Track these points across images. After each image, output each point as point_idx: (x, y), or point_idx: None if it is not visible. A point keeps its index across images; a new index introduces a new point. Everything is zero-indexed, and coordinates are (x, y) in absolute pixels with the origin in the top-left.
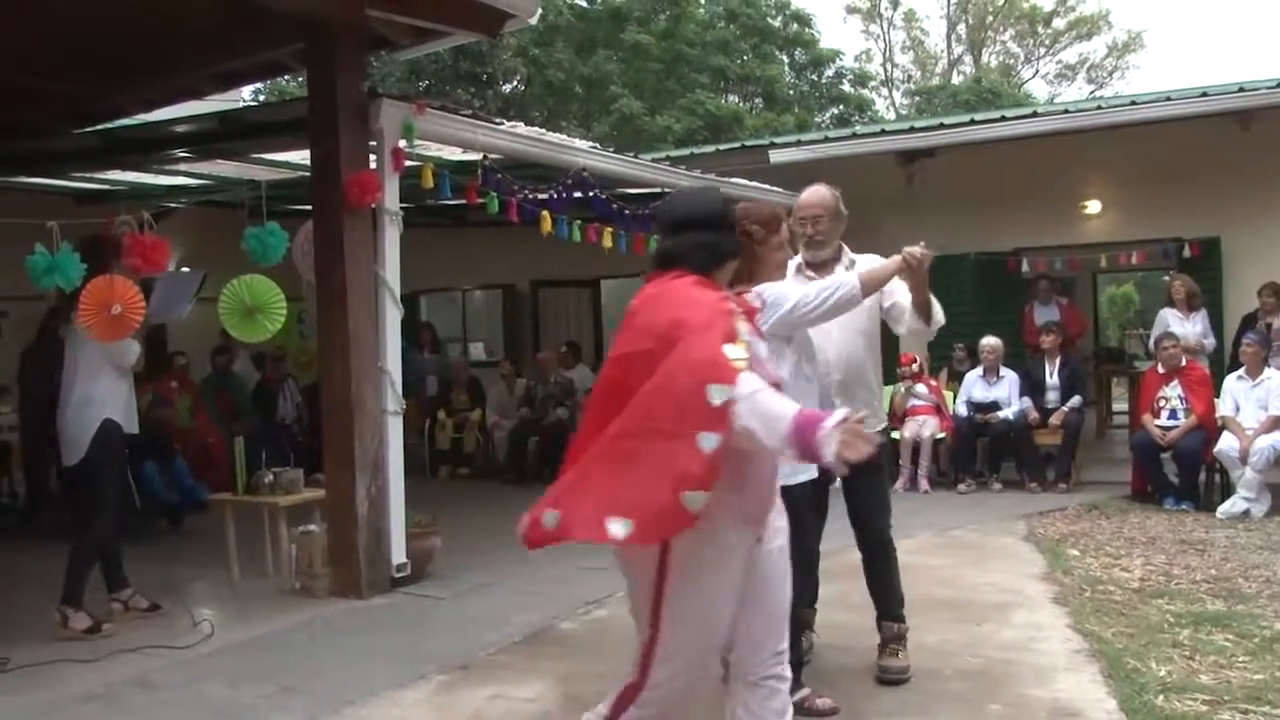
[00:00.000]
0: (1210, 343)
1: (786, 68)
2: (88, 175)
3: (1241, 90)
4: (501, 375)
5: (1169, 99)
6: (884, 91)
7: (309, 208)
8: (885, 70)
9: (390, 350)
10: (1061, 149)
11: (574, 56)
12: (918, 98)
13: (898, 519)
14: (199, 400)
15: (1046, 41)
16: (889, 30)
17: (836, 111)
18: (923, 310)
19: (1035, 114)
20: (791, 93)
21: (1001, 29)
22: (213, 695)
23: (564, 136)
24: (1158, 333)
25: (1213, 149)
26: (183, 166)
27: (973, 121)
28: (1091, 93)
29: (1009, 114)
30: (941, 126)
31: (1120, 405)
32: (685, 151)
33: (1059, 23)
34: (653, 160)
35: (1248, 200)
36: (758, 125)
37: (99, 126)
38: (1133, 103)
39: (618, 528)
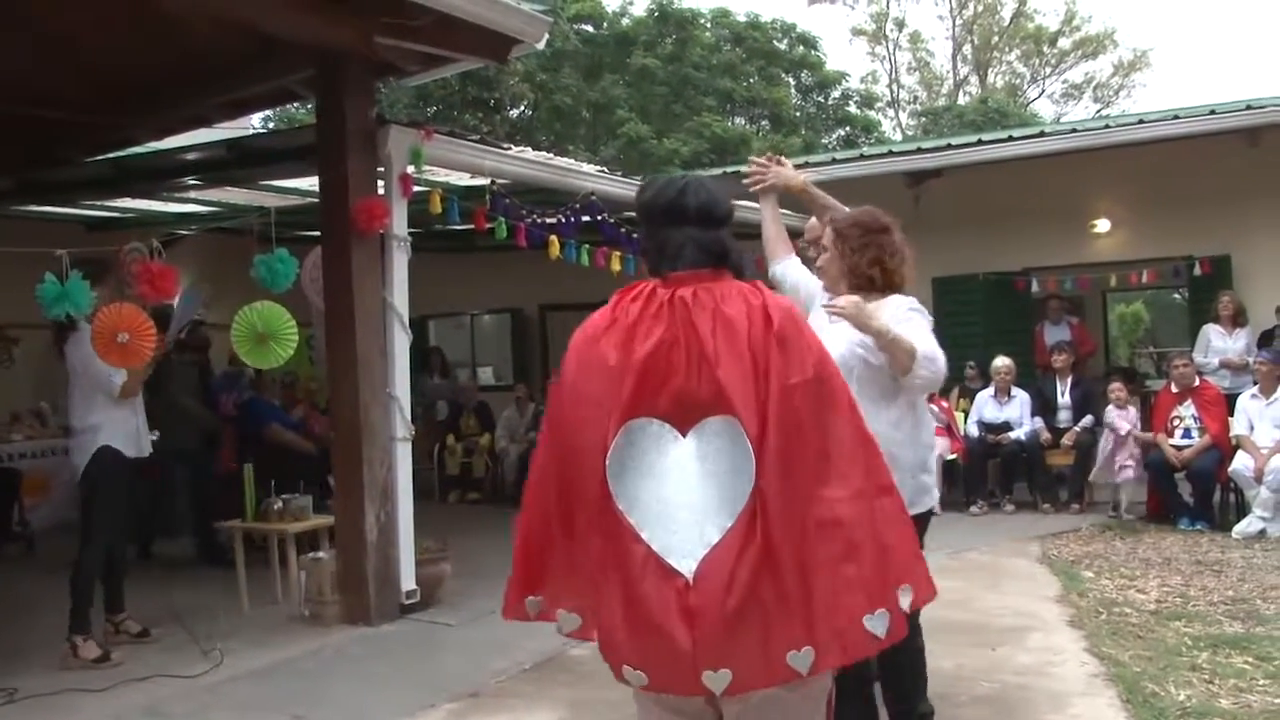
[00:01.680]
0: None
1: (793, 90)
2: (98, 203)
3: (1249, 107)
4: (516, 398)
5: (1176, 117)
6: (890, 112)
7: (318, 234)
8: (891, 91)
9: (399, 376)
10: (1070, 168)
11: (581, 81)
12: (924, 118)
13: None
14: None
15: (1052, 61)
16: (894, 52)
17: (843, 133)
18: (890, 358)
19: (1043, 134)
20: (798, 115)
21: (1007, 49)
22: None
23: (571, 161)
24: (1202, 349)
25: (1222, 166)
26: (193, 194)
27: (980, 142)
28: (1098, 111)
29: (1016, 134)
30: (949, 147)
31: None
32: (713, 164)
33: (1064, 42)
34: None
35: (1258, 217)
36: (764, 147)
37: (110, 155)
38: (1140, 121)
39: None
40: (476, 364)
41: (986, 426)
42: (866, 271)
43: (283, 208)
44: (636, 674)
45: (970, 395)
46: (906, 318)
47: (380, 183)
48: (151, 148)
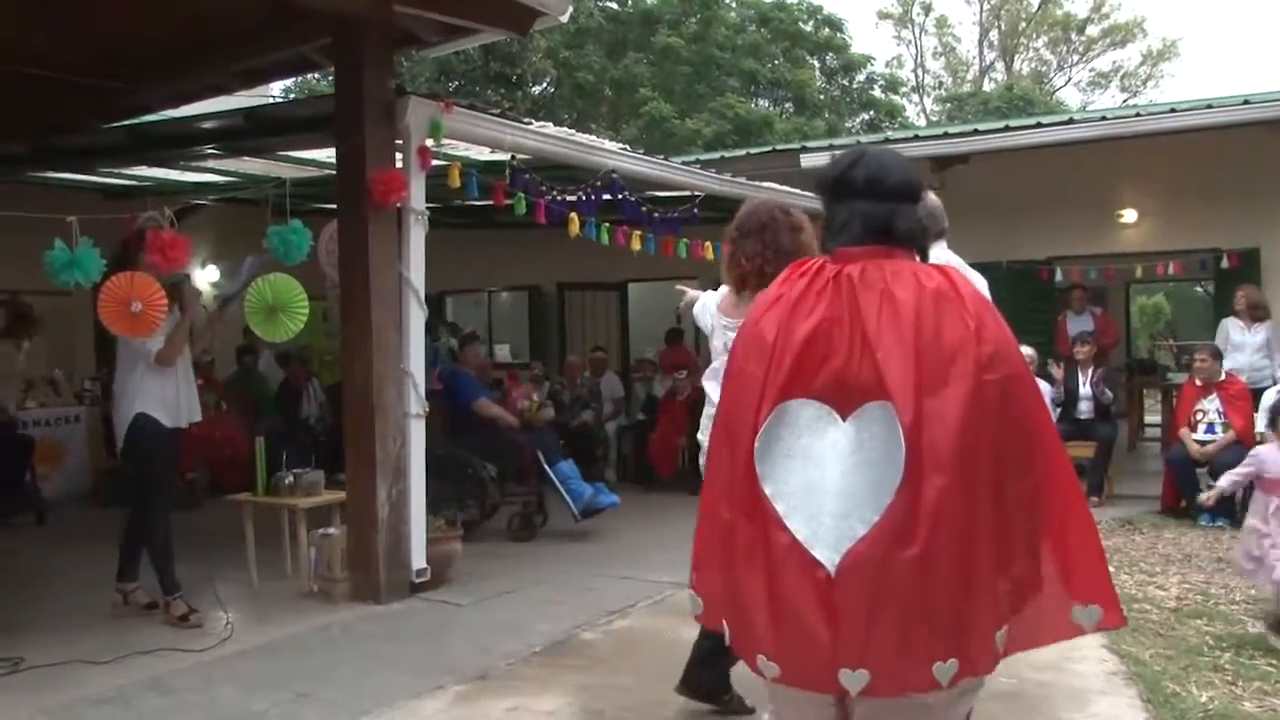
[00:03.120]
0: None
1: (817, 72)
2: (115, 171)
3: None
4: (532, 376)
5: (1210, 106)
6: (915, 98)
7: (334, 206)
8: (916, 76)
9: (414, 352)
10: (1097, 157)
11: (604, 59)
12: (949, 104)
13: None
14: (222, 399)
15: (1080, 49)
16: (920, 36)
17: (867, 117)
18: None
19: (1071, 121)
20: (822, 98)
21: (1034, 35)
22: (227, 701)
23: (593, 137)
24: (1221, 342)
25: (1253, 158)
26: (209, 163)
27: (1008, 128)
28: (1125, 101)
29: (1045, 120)
30: (976, 132)
31: (1152, 417)
32: (715, 155)
33: (1093, 30)
34: (683, 163)
35: None
36: (787, 130)
37: (127, 122)
38: (1172, 110)
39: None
40: (494, 341)
41: None
42: (745, 268)
43: (299, 179)
44: (771, 665)
45: None
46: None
47: (398, 155)
48: (169, 115)
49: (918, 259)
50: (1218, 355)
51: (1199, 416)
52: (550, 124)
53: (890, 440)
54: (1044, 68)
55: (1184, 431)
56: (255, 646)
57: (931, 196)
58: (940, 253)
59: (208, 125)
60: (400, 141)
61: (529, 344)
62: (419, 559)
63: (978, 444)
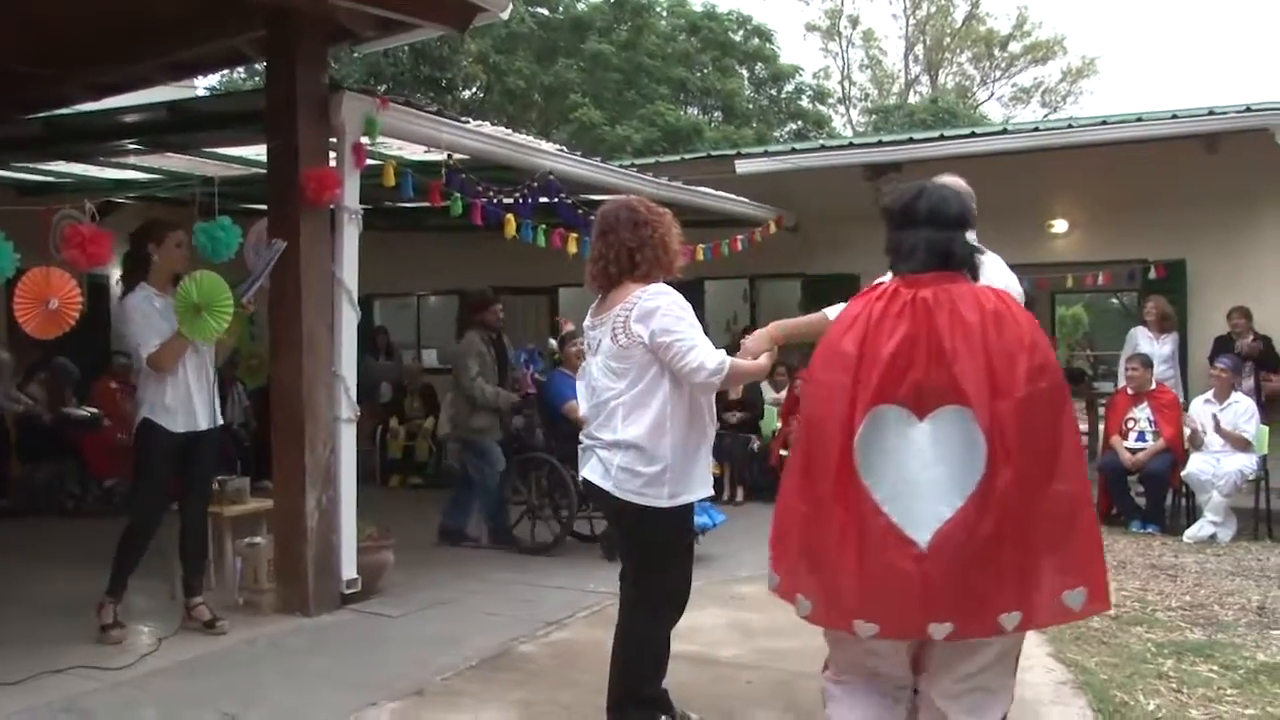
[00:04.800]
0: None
1: (746, 82)
2: (31, 166)
3: (1211, 113)
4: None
5: (1140, 120)
6: (841, 109)
7: (263, 207)
8: (843, 88)
9: (345, 355)
10: (1029, 167)
11: (535, 64)
12: (874, 116)
13: None
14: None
15: (1002, 65)
16: (847, 49)
17: (795, 127)
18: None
19: (1005, 131)
20: (751, 107)
21: (958, 51)
22: None
23: (530, 138)
24: (1128, 352)
25: (1180, 171)
26: (131, 159)
27: (942, 137)
28: (1045, 116)
29: (979, 130)
30: (910, 141)
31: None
32: (650, 160)
33: (1015, 46)
34: (619, 166)
35: (1213, 223)
36: (716, 138)
37: (42, 115)
38: (1103, 122)
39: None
40: (421, 346)
41: None
42: (591, 270)
43: (226, 177)
44: (869, 626)
45: None
46: None
47: (332, 155)
48: (89, 108)
49: (969, 278)
50: (1148, 364)
51: (1130, 425)
52: (487, 124)
53: (968, 439)
54: (968, 82)
55: (1115, 439)
56: (178, 663)
57: (959, 182)
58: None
59: (130, 119)
60: (334, 141)
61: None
62: (349, 569)
63: (1032, 441)
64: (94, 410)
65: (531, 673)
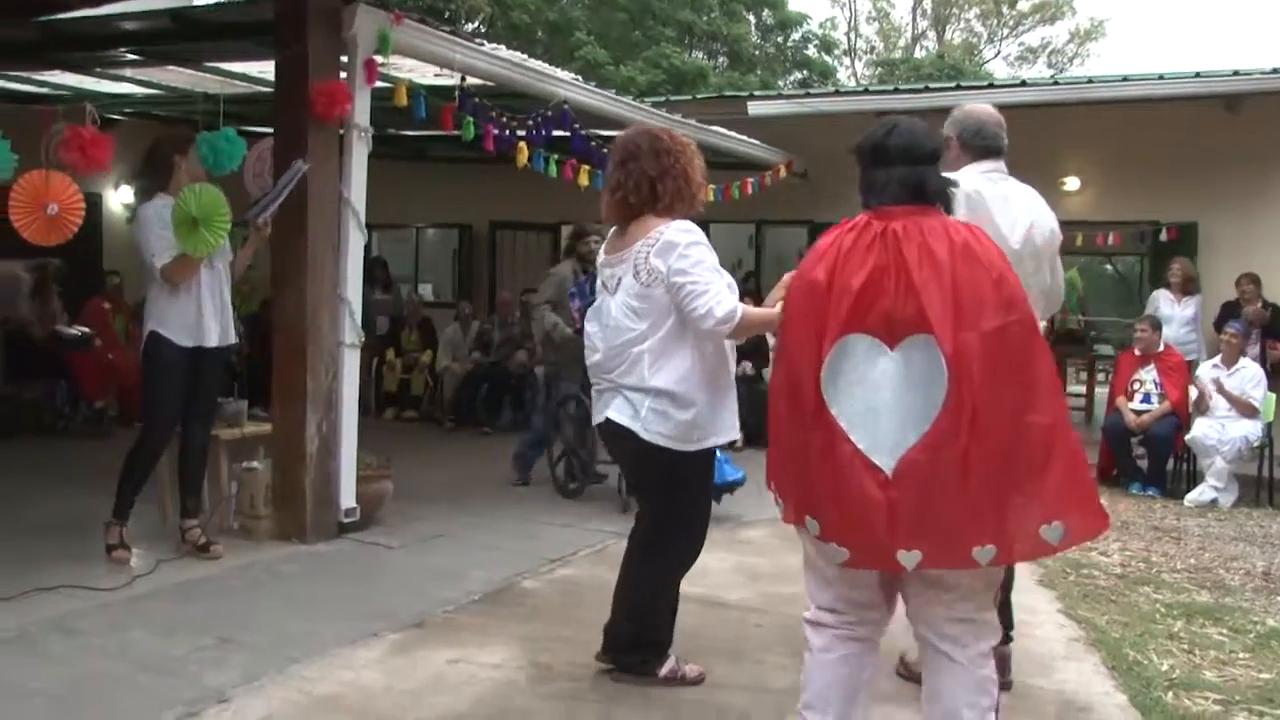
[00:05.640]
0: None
1: (753, 28)
2: (24, 76)
3: (1236, 74)
4: (457, 317)
5: (1162, 78)
6: (846, 61)
7: (265, 130)
8: (849, 40)
9: (351, 278)
10: (1045, 123)
11: (540, 0)
12: (880, 69)
13: None
14: (132, 324)
15: (1010, 23)
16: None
17: (800, 76)
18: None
19: (1024, 84)
20: (757, 53)
21: (967, 7)
22: (140, 646)
23: (545, 65)
24: (1150, 312)
25: (1197, 133)
26: (129, 72)
27: (959, 87)
28: (1051, 77)
29: (996, 82)
30: (927, 89)
31: (1075, 387)
32: (661, 98)
33: (1024, 5)
34: (634, 101)
35: (1229, 186)
36: (721, 84)
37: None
38: (1125, 79)
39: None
40: (419, 280)
41: None
42: (608, 200)
43: (230, 95)
44: (840, 551)
45: None
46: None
47: (342, 73)
48: (89, 13)
49: (942, 211)
50: (1158, 326)
51: (1136, 386)
52: (503, 47)
53: (934, 367)
54: (975, 39)
55: (1121, 401)
56: (172, 585)
57: (984, 108)
58: (992, 175)
59: (130, 26)
60: (345, 59)
61: (457, 283)
62: (348, 498)
63: (1000, 373)
64: (85, 329)
65: (534, 608)
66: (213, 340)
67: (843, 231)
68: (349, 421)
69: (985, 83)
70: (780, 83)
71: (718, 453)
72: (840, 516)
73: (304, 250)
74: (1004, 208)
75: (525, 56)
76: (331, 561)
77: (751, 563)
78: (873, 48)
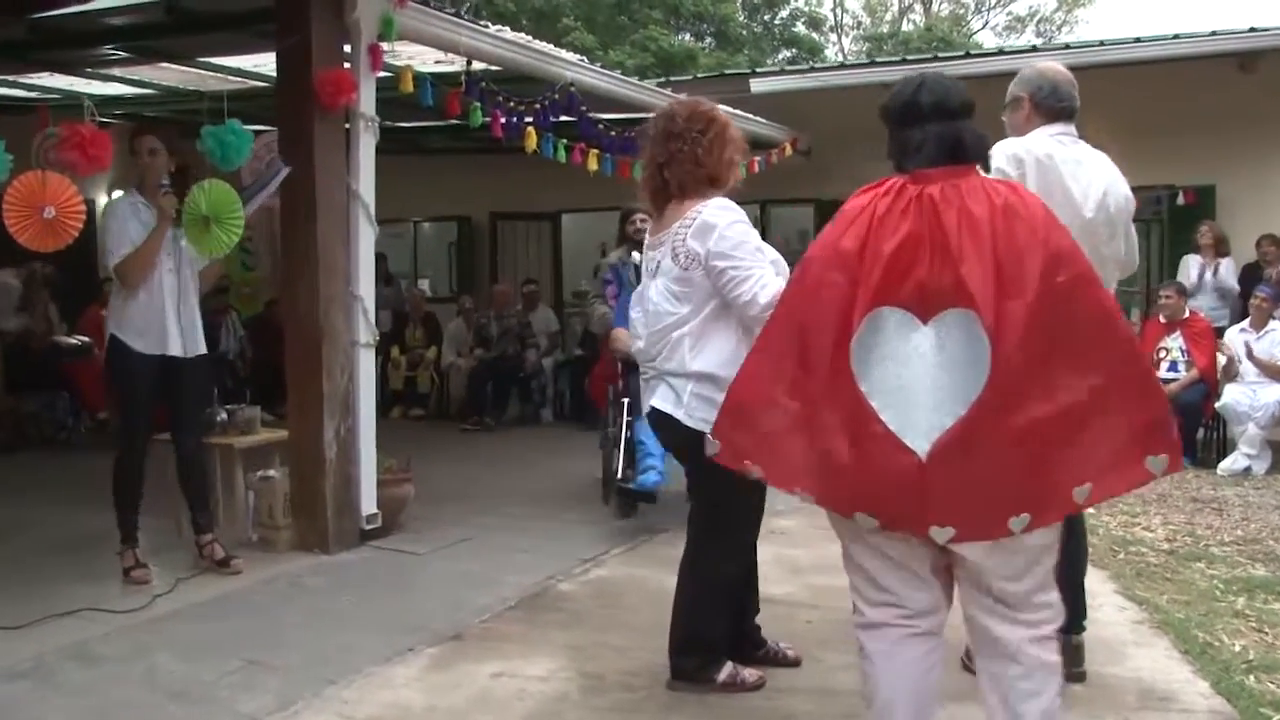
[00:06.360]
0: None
1: (740, 6)
2: (11, 80)
3: (1253, 30)
4: (459, 312)
5: (1176, 37)
6: (833, 37)
7: (264, 128)
8: (835, 15)
9: (364, 274)
10: None
11: None
12: (868, 44)
13: None
14: None
15: None
16: None
17: (789, 55)
18: None
19: (1035, 49)
20: (745, 33)
21: None
22: (167, 672)
23: (551, 46)
24: (1181, 278)
25: (1212, 93)
26: (119, 71)
27: (968, 54)
28: (1064, 42)
29: (1007, 48)
30: (936, 59)
31: None
32: (661, 78)
33: None
34: (640, 82)
35: (1245, 146)
36: (711, 65)
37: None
38: (1138, 40)
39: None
40: (418, 275)
41: None
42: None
43: (226, 92)
44: (869, 519)
45: None
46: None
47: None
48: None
49: (981, 170)
50: (1183, 293)
51: (1162, 354)
52: (506, 29)
53: (973, 342)
54: (961, 10)
55: None
56: (193, 604)
57: (1056, 66)
58: (1062, 138)
59: (120, 21)
60: (348, 49)
61: (454, 277)
62: (369, 503)
63: (1050, 339)
64: (85, 338)
65: (575, 613)
66: (176, 349)
67: (877, 195)
68: (367, 424)
69: (995, 49)
70: (768, 61)
71: (647, 451)
72: (865, 490)
73: (314, 247)
74: (1077, 172)
75: (530, 38)
76: (357, 571)
77: (791, 555)
78: (859, 23)
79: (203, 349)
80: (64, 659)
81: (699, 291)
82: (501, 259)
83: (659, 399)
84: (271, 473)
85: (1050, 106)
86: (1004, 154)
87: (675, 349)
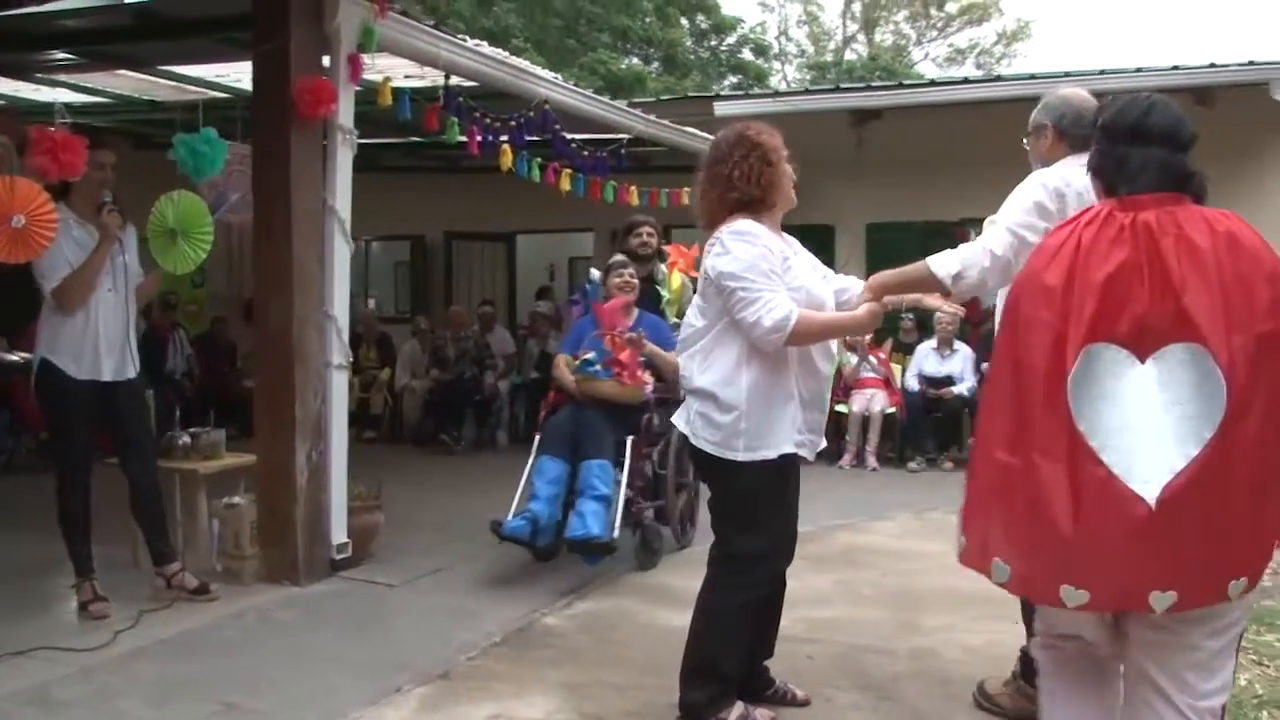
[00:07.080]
0: None
1: (687, 33)
2: None
3: (1213, 66)
4: (414, 333)
5: (1139, 71)
6: (777, 65)
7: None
8: (779, 44)
9: (338, 293)
10: (1015, 119)
11: (475, 7)
12: (812, 72)
13: (855, 498)
14: None
15: (939, 25)
16: (785, 3)
17: (735, 80)
18: None
19: (999, 78)
20: (692, 58)
21: (895, 9)
22: (136, 718)
23: (527, 63)
24: None
25: None
26: (67, 77)
27: (933, 83)
28: (1028, 72)
29: (971, 77)
30: (900, 86)
31: None
32: (624, 101)
33: (951, 7)
34: (612, 102)
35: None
36: (659, 89)
37: None
38: (1102, 73)
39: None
40: (368, 294)
41: (928, 380)
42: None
43: (187, 102)
44: (1078, 593)
45: (906, 349)
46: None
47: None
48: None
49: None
50: None
51: None
52: (485, 43)
53: (1203, 379)
54: (904, 41)
55: None
56: (157, 641)
57: (1081, 93)
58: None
59: (78, 23)
60: (327, 62)
61: (408, 296)
62: (340, 532)
63: (1276, 377)
64: (26, 355)
65: (566, 650)
66: (107, 375)
67: (1079, 225)
68: (339, 450)
69: (960, 78)
70: (715, 87)
71: (591, 503)
72: (1079, 553)
73: (288, 263)
74: None
75: (507, 54)
76: (331, 605)
77: None
78: (803, 51)
79: (132, 373)
80: (21, 704)
81: (715, 309)
82: (456, 279)
83: (677, 416)
84: (237, 499)
85: (1076, 134)
86: (1042, 186)
87: (689, 365)
